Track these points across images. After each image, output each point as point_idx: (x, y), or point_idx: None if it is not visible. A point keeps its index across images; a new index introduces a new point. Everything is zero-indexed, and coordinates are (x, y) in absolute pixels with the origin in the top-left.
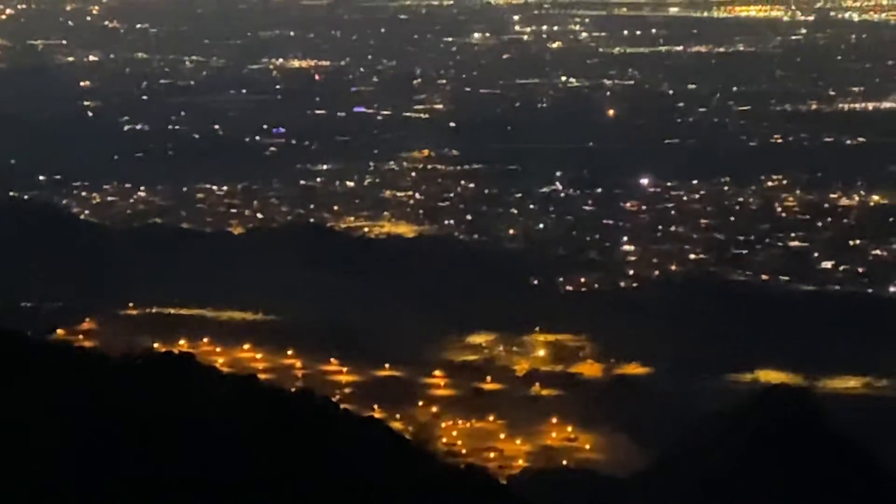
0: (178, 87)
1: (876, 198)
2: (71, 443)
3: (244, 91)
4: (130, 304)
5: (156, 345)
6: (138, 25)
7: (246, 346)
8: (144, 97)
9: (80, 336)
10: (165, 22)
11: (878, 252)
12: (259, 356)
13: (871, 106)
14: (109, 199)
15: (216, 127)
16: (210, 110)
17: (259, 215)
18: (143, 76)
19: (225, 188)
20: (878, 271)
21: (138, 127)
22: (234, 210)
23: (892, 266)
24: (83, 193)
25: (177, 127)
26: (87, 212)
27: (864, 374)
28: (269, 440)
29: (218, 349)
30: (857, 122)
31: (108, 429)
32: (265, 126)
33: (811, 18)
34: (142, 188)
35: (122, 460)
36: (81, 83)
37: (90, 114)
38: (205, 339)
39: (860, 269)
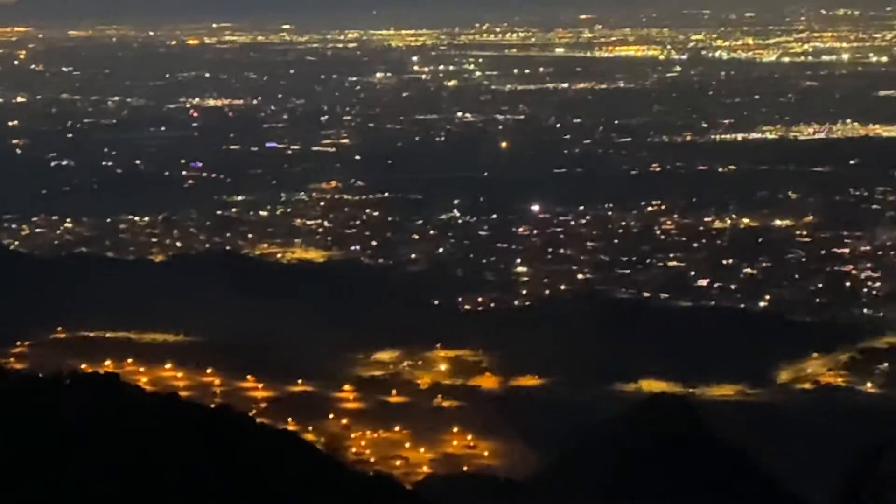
0: (101, 126)
1: (746, 220)
2: (4, 454)
3: (163, 128)
4: (59, 329)
5: (83, 366)
6: (63, 69)
7: (167, 366)
8: (70, 135)
9: (12, 359)
10: (89, 65)
11: (748, 270)
12: (180, 375)
13: (740, 137)
14: (38, 230)
15: (137, 162)
16: (132, 146)
17: (178, 244)
18: (69, 115)
19: (146, 219)
20: (749, 288)
21: (64, 162)
22: (154, 239)
23: (762, 283)
24: (13, 225)
25: (101, 162)
26: (16, 242)
27: (737, 382)
28: (189, 453)
29: (141, 369)
30: (728, 151)
31: (39, 442)
32: (183, 160)
33: (685, 57)
34: (68, 220)
35: (50, 471)
36: (10, 122)
37: (18, 151)
38: (129, 360)
39: (733, 286)
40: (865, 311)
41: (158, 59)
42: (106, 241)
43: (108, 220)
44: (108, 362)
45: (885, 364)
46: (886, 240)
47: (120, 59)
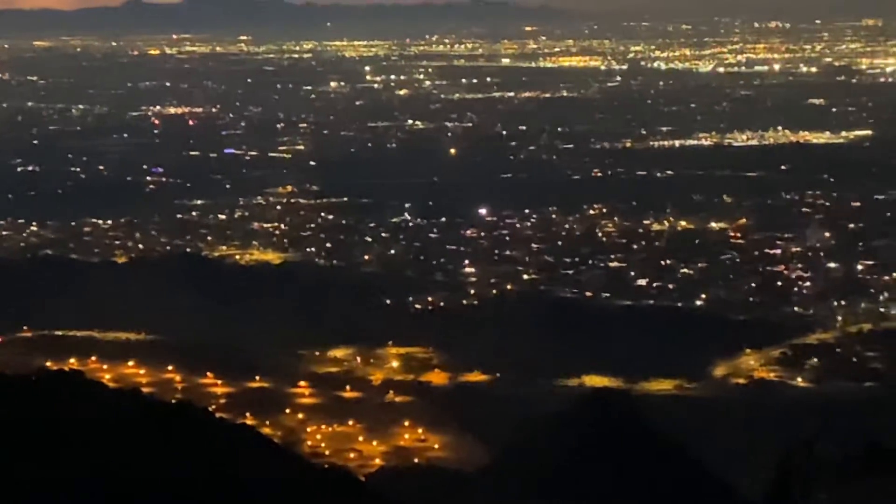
0: (66, 133)
1: (683, 223)
2: None
3: (126, 135)
4: (25, 328)
5: (48, 363)
6: (29, 78)
7: (130, 363)
8: (35, 142)
9: None
10: (53, 74)
11: (685, 270)
12: (142, 372)
13: (677, 143)
14: (4, 233)
15: (101, 168)
16: (95, 153)
17: (140, 246)
18: (34, 123)
19: (109, 222)
20: (686, 287)
21: (30, 168)
22: (117, 242)
23: (698, 282)
24: None
25: (65, 168)
26: None
27: (675, 377)
28: (151, 446)
29: (105, 366)
30: (666, 157)
31: (4, 438)
32: (145, 166)
33: (625, 67)
34: (34, 223)
35: (15, 465)
36: None
37: None
38: (93, 358)
39: (670, 286)
40: (796, 309)
41: (121, 68)
42: (70, 243)
43: (73, 223)
44: (72, 360)
45: (815, 359)
46: (816, 241)
47: (84, 69)
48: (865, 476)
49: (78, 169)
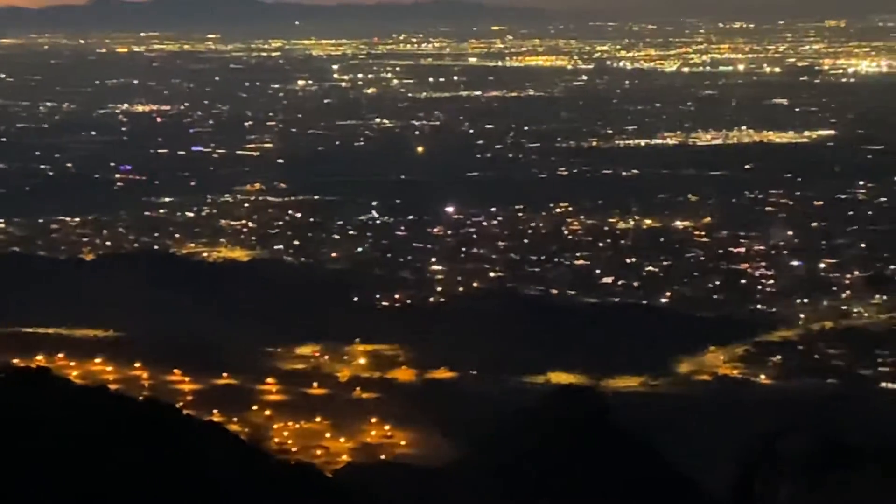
0: (33, 130)
1: (648, 221)
2: None
3: (94, 133)
4: None
5: (15, 360)
6: None
7: (97, 360)
8: (3, 139)
9: None
10: (22, 72)
11: (650, 268)
12: (109, 369)
13: (643, 142)
14: None
15: (69, 165)
16: (63, 150)
17: (108, 243)
18: (2, 120)
19: (77, 219)
20: (651, 284)
21: None
22: (85, 239)
23: (663, 280)
24: None
25: (33, 165)
26: None
27: (640, 373)
28: (118, 442)
29: (72, 363)
30: (632, 156)
31: None
32: (113, 164)
33: (591, 67)
34: (1, 220)
35: None
36: None
37: None
38: (60, 355)
39: (635, 283)
40: (760, 306)
41: (89, 66)
42: (38, 240)
43: (41, 220)
44: (39, 357)
45: (778, 356)
46: (779, 240)
47: (52, 67)
48: (827, 471)
49: (46, 166)
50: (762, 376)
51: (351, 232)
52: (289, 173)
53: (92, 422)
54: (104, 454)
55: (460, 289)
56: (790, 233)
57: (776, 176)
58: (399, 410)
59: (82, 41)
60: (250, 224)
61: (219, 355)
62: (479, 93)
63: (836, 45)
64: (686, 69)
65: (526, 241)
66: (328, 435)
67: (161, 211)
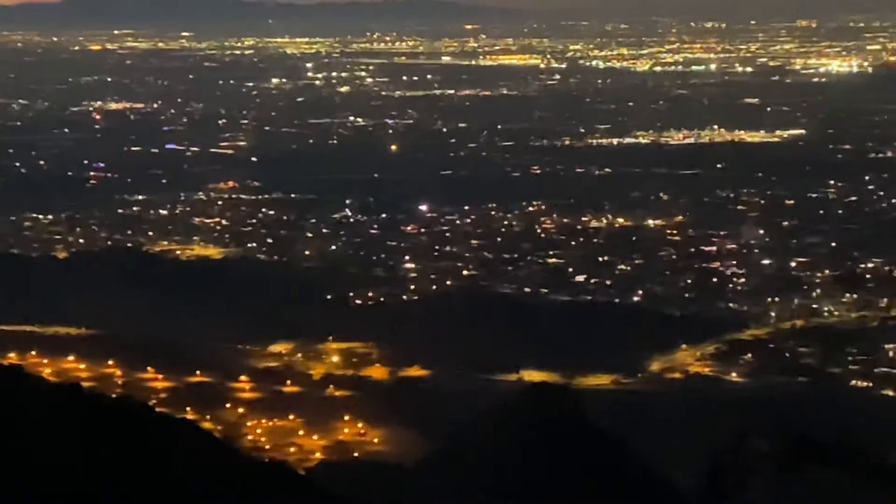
0: (6, 127)
1: (621, 220)
2: None
3: (67, 130)
4: None
5: None
6: None
7: (70, 358)
8: None
9: None
10: None
11: (622, 266)
12: (82, 366)
13: (615, 141)
14: None
15: (42, 163)
16: (36, 148)
17: (81, 240)
18: None
19: (50, 217)
20: (623, 283)
21: None
22: (58, 236)
23: (635, 279)
24: None
25: (6, 163)
26: None
27: (613, 371)
28: (91, 440)
29: (45, 361)
30: (604, 154)
31: None
32: (86, 161)
33: (564, 66)
34: None
35: None
36: None
37: None
38: (33, 352)
39: (608, 282)
40: (731, 305)
41: (62, 63)
42: (10, 238)
43: (13, 218)
44: (12, 354)
45: (749, 355)
46: (750, 238)
47: (25, 64)
48: (796, 468)
49: (18, 164)
50: (733, 374)
51: (324, 230)
52: (262, 171)
53: (65, 420)
54: (76, 452)
55: (433, 287)
56: (761, 231)
57: (748, 175)
58: (372, 408)
59: (55, 38)
60: (224, 222)
61: (192, 353)
62: (452, 91)
63: (808, 45)
64: (658, 68)
65: (499, 239)
66: (301, 433)
67: (134, 208)
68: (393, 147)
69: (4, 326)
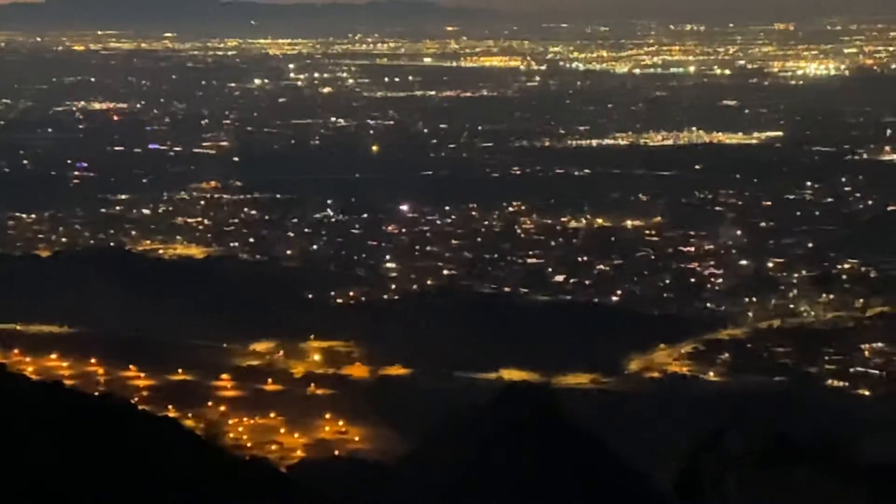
0: None
1: (600, 220)
2: None
3: (50, 130)
4: None
5: None
6: None
7: (53, 356)
8: None
9: None
10: None
11: (602, 267)
12: (65, 364)
13: (595, 142)
14: None
15: (25, 162)
16: (19, 147)
17: (64, 239)
18: None
19: (33, 216)
20: (602, 283)
21: None
22: (41, 235)
23: (614, 279)
24: None
25: None
26: None
27: (591, 371)
28: (73, 438)
29: (27, 359)
30: (584, 156)
31: None
32: (69, 161)
33: (544, 68)
34: None
35: None
36: None
37: None
38: (15, 351)
39: (587, 282)
40: (708, 305)
41: (45, 63)
42: None
43: None
44: None
45: (726, 354)
46: (728, 239)
47: (8, 64)
48: (772, 466)
49: (1, 163)
50: (711, 373)
51: (306, 230)
52: (244, 171)
53: (46, 418)
54: (58, 450)
55: (414, 286)
56: (739, 232)
57: (726, 176)
58: (353, 406)
59: (39, 38)
60: (206, 221)
61: (174, 351)
62: (433, 92)
63: (786, 48)
64: (637, 71)
65: (479, 239)
66: (283, 430)
67: (117, 208)
68: (374, 147)
69: None
